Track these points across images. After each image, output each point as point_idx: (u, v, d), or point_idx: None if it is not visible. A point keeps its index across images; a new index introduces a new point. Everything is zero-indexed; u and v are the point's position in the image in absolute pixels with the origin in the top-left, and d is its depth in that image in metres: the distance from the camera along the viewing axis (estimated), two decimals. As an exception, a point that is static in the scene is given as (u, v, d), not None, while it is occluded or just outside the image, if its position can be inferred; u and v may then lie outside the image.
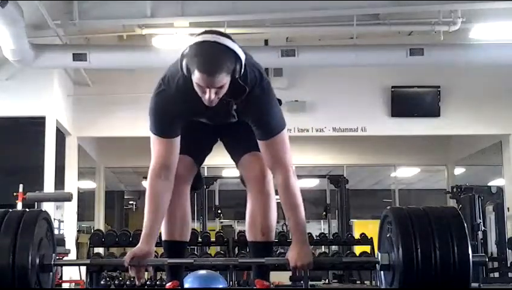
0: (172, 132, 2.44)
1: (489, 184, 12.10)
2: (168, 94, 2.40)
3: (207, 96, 2.26)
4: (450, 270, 2.21)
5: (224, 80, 2.23)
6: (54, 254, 2.41)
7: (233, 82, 2.29)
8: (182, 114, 2.44)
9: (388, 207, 2.45)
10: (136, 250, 2.47)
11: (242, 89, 2.35)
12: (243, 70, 2.30)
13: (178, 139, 2.47)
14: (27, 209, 2.39)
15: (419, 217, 2.34)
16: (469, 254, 2.24)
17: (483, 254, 2.03)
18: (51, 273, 2.43)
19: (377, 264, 2.45)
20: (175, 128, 2.45)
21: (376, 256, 2.46)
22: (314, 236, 9.75)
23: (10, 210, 2.36)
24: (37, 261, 2.29)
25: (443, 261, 2.21)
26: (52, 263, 2.38)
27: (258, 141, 2.48)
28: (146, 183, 2.48)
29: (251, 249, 2.66)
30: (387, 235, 2.42)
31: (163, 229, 2.62)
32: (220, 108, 2.40)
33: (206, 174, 10.45)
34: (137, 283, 2.49)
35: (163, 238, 2.64)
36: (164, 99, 2.41)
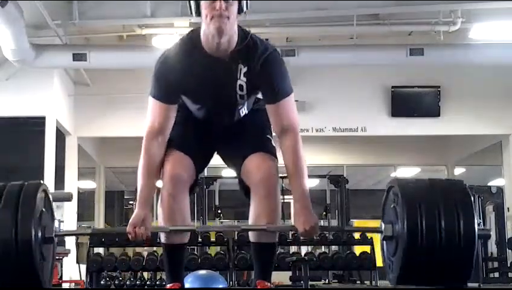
0: (172, 98, 2.49)
1: (489, 184, 12.12)
2: (171, 58, 2.47)
3: (217, 5, 2.32)
4: (455, 242, 2.18)
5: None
6: (54, 226, 2.45)
7: (244, 40, 2.43)
8: (184, 79, 2.47)
9: (394, 178, 2.43)
10: (135, 218, 2.49)
11: (254, 48, 2.44)
12: (250, 36, 2.45)
13: (175, 108, 2.52)
14: (26, 183, 2.38)
15: (424, 188, 2.32)
16: (474, 226, 2.21)
17: (488, 228, 2.03)
18: (53, 245, 2.44)
19: (380, 235, 2.43)
20: (175, 95, 2.50)
21: (380, 226, 2.44)
22: (314, 236, 9.75)
23: (8, 184, 2.36)
24: (39, 233, 2.29)
25: (448, 232, 2.18)
26: (53, 235, 2.39)
27: (268, 106, 2.53)
28: (142, 145, 2.55)
29: (254, 250, 2.65)
30: (392, 206, 2.39)
31: (162, 232, 2.62)
32: (227, 76, 2.46)
33: (206, 174, 10.45)
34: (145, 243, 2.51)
35: (162, 241, 2.62)
36: (168, 63, 2.47)
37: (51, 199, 2.47)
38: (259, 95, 2.66)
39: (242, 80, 2.48)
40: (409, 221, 2.20)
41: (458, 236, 2.18)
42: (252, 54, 2.45)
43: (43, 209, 2.37)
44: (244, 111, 2.65)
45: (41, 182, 2.43)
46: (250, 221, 2.60)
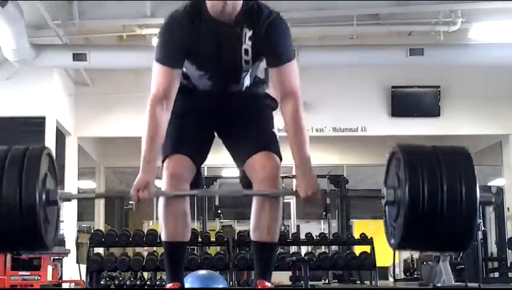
0: (176, 60, 2.48)
1: (489, 184, 12.12)
2: (177, 21, 2.48)
3: None
4: (456, 208, 2.19)
5: None
6: (58, 190, 2.46)
7: (249, 4, 2.45)
8: (189, 41, 2.47)
9: (396, 144, 2.43)
10: (138, 182, 2.52)
11: (259, 12, 2.46)
12: (255, 1, 2.48)
13: (179, 74, 2.51)
14: (30, 147, 2.40)
15: (427, 154, 2.32)
16: (476, 192, 2.21)
17: (489, 195, 2.04)
18: (57, 208, 2.47)
19: (382, 199, 2.43)
20: (179, 57, 2.48)
21: (382, 192, 2.43)
22: (314, 236, 9.76)
23: (12, 147, 2.38)
24: (43, 196, 2.31)
25: (449, 198, 2.18)
26: (58, 198, 2.42)
27: (271, 70, 2.54)
28: (146, 111, 2.51)
29: (255, 249, 2.65)
30: (394, 172, 2.39)
31: (162, 230, 2.62)
32: (232, 40, 2.46)
33: (206, 174, 10.45)
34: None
35: (163, 239, 2.62)
36: (173, 24, 2.48)
37: (55, 163, 2.48)
38: (261, 74, 2.68)
39: (247, 44, 2.49)
40: (410, 186, 2.21)
41: (460, 201, 2.19)
42: (257, 18, 2.46)
43: (47, 173, 2.39)
44: (247, 81, 2.64)
45: (46, 146, 2.45)
46: (253, 219, 2.60)
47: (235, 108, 2.66)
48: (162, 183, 2.61)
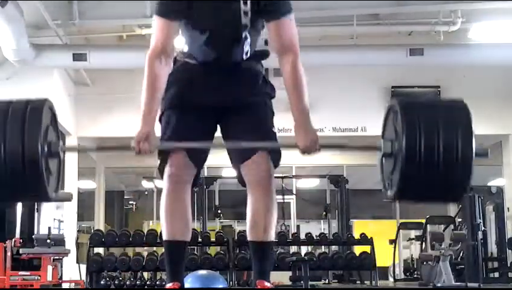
0: (175, 10, 2.48)
1: (489, 184, 12.11)
2: None
3: None
4: (453, 159, 2.23)
5: None
6: (59, 142, 2.52)
7: None
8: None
9: (394, 97, 2.47)
10: (139, 134, 2.52)
11: None
12: None
13: (177, 27, 2.53)
14: (31, 99, 2.42)
15: (425, 106, 2.36)
16: (472, 144, 2.28)
17: (485, 148, 2.07)
18: (58, 160, 2.51)
19: (378, 152, 2.47)
20: (178, 8, 2.48)
21: (379, 143, 2.48)
22: (314, 236, 9.76)
23: (13, 100, 2.40)
24: (45, 148, 2.35)
25: (446, 148, 2.22)
26: (59, 150, 2.47)
27: (269, 24, 2.55)
28: (145, 65, 2.55)
29: (252, 248, 2.65)
30: (392, 124, 2.43)
31: (164, 229, 2.62)
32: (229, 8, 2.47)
33: (206, 174, 10.46)
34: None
35: (164, 238, 2.63)
36: None
37: (56, 116, 2.53)
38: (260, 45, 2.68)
39: (246, 4, 2.50)
40: (407, 137, 2.24)
41: (456, 152, 2.23)
42: None
43: (49, 125, 2.43)
44: (247, 46, 2.62)
45: (47, 98, 2.46)
46: (249, 219, 2.62)
47: (235, 100, 2.64)
48: (163, 185, 2.61)
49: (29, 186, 2.31)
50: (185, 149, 2.57)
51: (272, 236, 2.63)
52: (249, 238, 2.64)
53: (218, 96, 2.62)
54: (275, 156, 2.65)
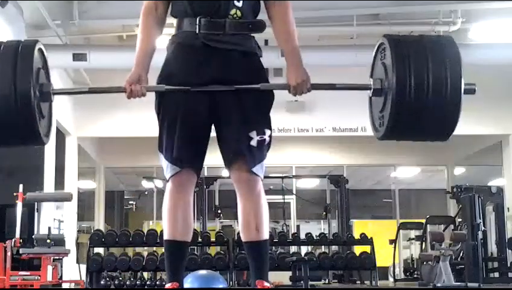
0: None
1: (489, 184, 12.11)
2: None
3: None
4: (442, 95, 2.24)
5: None
6: (51, 84, 2.48)
7: None
8: None
9: (383, 35, 2.46)
10: (131, 76, 2.59)
11: None
12: None
13: None
14: (22, 40, 2.41)
15: (413, 42, 2.36)
16: (461, 80, 2.26)
17: (472, 83, 2.05)
18: (49, 102, 2.50)
19: (368, 91, 2.44)
20: None
21: (369, 82, 2.45)
22: (314, 236, 9.77)
23: (4, 41, 2.39)
24: (37, 89, 2.34)
25: (435, 85, 2.23)
26: (51, 91, 2.45)
27: None
28: (140, 18, 2.64)
29: (247, 249, 2.64)
30: (381, 62, 2.42)
31: (165, 228, 2.61)
32: None
33: (206, 174, 10.46)
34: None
35: (164, 237, 2.62)
36: None
37: (47, 59, 2.51)
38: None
39: None
40: (397, 74, 2.24)
41: (445, 89, 2.24)
42: None
43: (40, 68, 2.41)
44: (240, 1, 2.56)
45: (37, 40, 2.46)
46: (240, 220, 2.60)
47: (229, 95, 2.53)
48: (165, 194, 2.60)
49: (22, 129, 2.30)
50: (188, 160, 2.54)
51: (265, 235, 2.60)
52: (242, 239, 2.63)
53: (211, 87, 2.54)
54: (252, 161, 2.54)
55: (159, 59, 2.68)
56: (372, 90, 2.42)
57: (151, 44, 2.62)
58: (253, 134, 2.52)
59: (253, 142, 2.52)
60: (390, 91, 2.27)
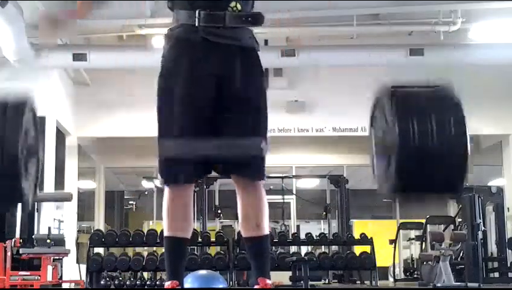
0: None
1: (489, 184, 12.11)
2: None
3: None
4: (447, 145, 2.17)
5: None
6: (40, 144, 2.43)
7: None
8: None
9: (382, 85, 2.39)
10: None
11: None
12: None
13: None
14: (10, 98, 2.37)
15: (414, 92, 2.33)
16: (465, 127, 2.19)
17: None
18: (38, 162, 2.42)
19: (370, 141, 2.40)
20: None
21: (369, 133, 2.39)
22: (314, 236, 9.76)
23: None
24: (25, 151, 2.28)
25: (440, 135, 2.16)
26: (39, 152, 2.39)
27: None
28: None
29: (248, 244, 2.62)
30: (381, 113, 2.35)
31: (165, 225, 2.60)
32: None
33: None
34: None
35: (165, 234, 2.60)
36: None
37: (37, 117, 2.45)
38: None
39: None
40: (400, 126, 2.17)
41: (450, 138, 2.17)
42: None
43: (29, 128, 2.36)
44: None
45: (28, 96, 2.42)
46: (240, 216, 2.59)
47: (231, 94, 2.49)
48: (164, 195, 2.59)
49: (7, 189, 2.24)
50: (189, 173, 2.51)
51: (266, 230, 2.58)
52: (243, 235, 2.62)
53: (212, 88, 2.48)
54: (263, 172, 2.53)
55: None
56: (373, 142, 2.35)
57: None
58: (263, 144, 2.49)
59: (264, 153, 2.50)
60: (393, 144, 2.19)
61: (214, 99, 2.48)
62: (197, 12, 2.44)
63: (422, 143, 2.15)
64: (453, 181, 2.25)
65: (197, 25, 2.45)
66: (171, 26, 2.56)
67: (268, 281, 2.53)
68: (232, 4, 2.47)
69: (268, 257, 2.65)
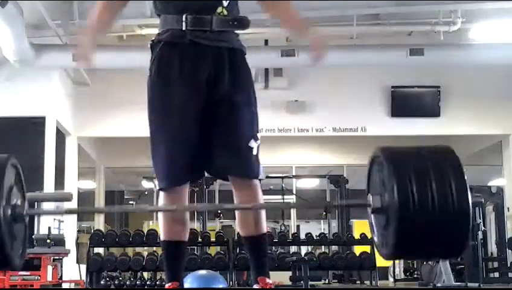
0: None
1: (489, 184, 12.12)
2: None
3: None
4: (449, 209, 2.09)
5: None
6: (25, 203, 2.28)
7: None
8: None
9: (377, 148, 2.28)
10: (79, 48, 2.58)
11: None
12: None
13: None
14: None
15: (412, 156, 2.24)
16: (467, 192, 2.11)
17: (478, 195, 1.94)
18: (25, 224, 2.29)
19: (368, 208, 2.30)
20: None
21: (367, 199, 2.31)
22: (314, 236, 9.77)
23: None
24: (9, 212, 2.16)
25: (440, 199, 2.08)
26: (24, 213, 2.24)
27: None
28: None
29: (247, 244, 2.64)
30: (379, 177, 2.27)
31: (162, 229, 2.62)
32: None
33: (206, 174, 10.45)
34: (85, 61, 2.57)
35: (162, 238, 2.63)
36: None
37: (21, 175, 2.30)
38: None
39: None
40: (398, 191, 2.08)
41: (451, 202, 2.08)
42: None
43: (12, 186, 2.22)
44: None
45: (11, 155, 2.26)
46: (238, 215, 2.61)
47: (221, 96, 2.51)
48: (160, 199, 2.59)
49: None
50: (182, 176, 2.54)
51: (264, 228, 2.61)
52: (241, 234, 2.64)
53: (202, 90, 2.50)
54: (256, 171, 2.55)
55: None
56: (371, 208, 2.27)
57: (114, 17, 2.70)
58: (252, 143, 2.51)
59: (254, 151, 2.52)
60: (392, 208, 2.12)
61: (204, 100, 2.50)
62: (184, 16, 2.47)
63: (422, 209, 2.08)
64: (454, 248, 2.20)
65: (184, 29, 2.48)
66: (158, 31, 2.58)
67: (268, 280, 2.54)
68: (219, 10, 2.50)
69: (267, 256, 2.66)
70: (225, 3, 2.51)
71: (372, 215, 2.30)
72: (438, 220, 2.08)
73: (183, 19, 2.47)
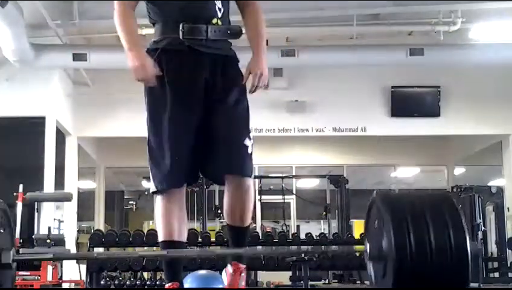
0: None
1: (489, 184, 12.11)
2: None
3: None
4: (447, 257, 2.06)
5: None
6: (12, 250, 2.22)
7: None
8: None
9: (374, 194, 2.24)
10: (135, 69, 2.68)
11: None
12: None
13: None
14: None
15: (409, 201, 2.20)
16: (465, 238, 2.08)
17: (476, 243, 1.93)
18: (11, 271, 2.23)
19: (365, 255, 2.29)
20: None
21: (364, 246, 2.29)
22: (314, 236, 9.76)
23: None
24: None
25: (438, 247, 2.06)
26: (11, 260, 2.19)
27: None
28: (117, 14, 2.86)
29: (229, 231, 2.77)
30: (376, 223, 2.25)
31: (160, 230, 2.64)
32: None
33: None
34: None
35: (160, 239, 2.64)
36: None
37: (10, 218, 2.26)
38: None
39: None
40: (396, 238, 2.05)
41: (449, 250, 2.05)
42: None
43: (1, 231, 2.18)
44: (219, 3, 2.62)
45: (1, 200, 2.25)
46: (226, 208, 2.68)
47: (218, 100, 2.59)
48: (157, 202, 2.62)
49: None
50: (180, 178, 2.58)
51: (248, 222, 2.73)
52: (227, 222, 2.75)
53: (200, 92, 2.60)
54: (250, 169, 2.62)
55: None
56: (369, 255, 2.27)
57: (136, 28, 2.80)
58: (247, 141, 2.59)
59: (249, 150, 2.59)
60: (389, 256, 2.10)
61: (201, 105, 2.58)
62: (181, 25, 2.56)
63: (421, 261, 2.05)
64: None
65: (181, 37, 2.57)
66: (155, 39, 2.68)
67: (242, 265, 2.66)
68: (214, 21, 2.59)
69: (246, 246, 2.82)
70: (219, 14, 2.60)
71: (369, 263, 2.28)
72: (435, 268, 2.05)
73: (180, 28, 2.56)
